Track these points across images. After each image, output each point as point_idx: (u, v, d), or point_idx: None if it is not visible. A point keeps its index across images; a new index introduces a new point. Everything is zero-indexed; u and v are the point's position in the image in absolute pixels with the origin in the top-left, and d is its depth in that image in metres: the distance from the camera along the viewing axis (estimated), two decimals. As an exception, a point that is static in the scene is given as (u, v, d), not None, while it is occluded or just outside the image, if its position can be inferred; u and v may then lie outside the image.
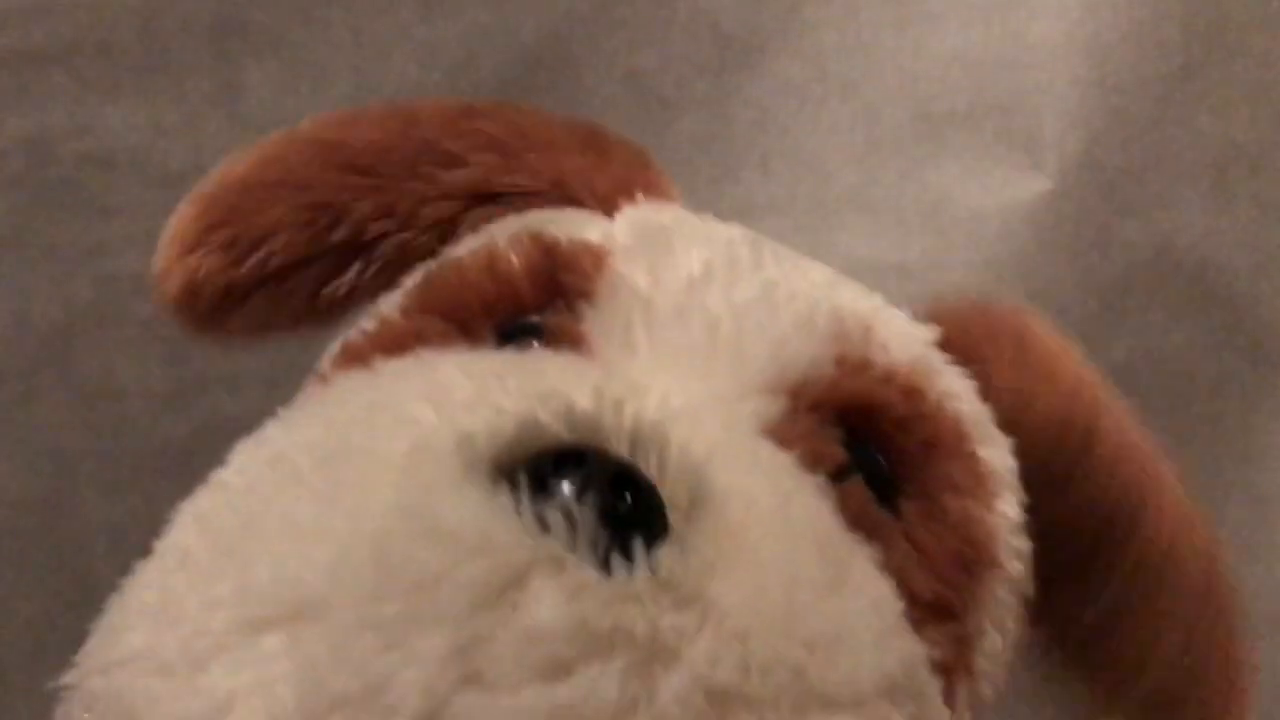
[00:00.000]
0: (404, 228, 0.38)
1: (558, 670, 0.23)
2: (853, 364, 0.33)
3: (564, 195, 0.38)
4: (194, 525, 0.28)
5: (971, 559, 0.33)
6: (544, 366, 0.31)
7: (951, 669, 0.31)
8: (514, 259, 0.34)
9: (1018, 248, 0.61)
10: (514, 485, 0.25)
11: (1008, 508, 0.34)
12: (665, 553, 0.24)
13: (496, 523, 0.24)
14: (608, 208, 0.37)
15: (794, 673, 0.24)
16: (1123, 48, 0.60)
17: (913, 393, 0.33)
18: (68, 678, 0.26)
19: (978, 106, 0.61)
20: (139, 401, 0.60)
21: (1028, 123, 0.61)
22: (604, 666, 0.23)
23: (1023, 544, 0.35)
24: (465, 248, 0.37)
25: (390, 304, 0.36)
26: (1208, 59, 0.60)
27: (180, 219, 0.40)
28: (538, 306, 0.34)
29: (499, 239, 0.35)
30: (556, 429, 0.26)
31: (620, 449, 0.26)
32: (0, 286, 0.60)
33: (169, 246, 0.40)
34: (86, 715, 0.25)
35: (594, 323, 0.33)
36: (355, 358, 0.34)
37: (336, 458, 0.27)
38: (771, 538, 0.26)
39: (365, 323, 0.36)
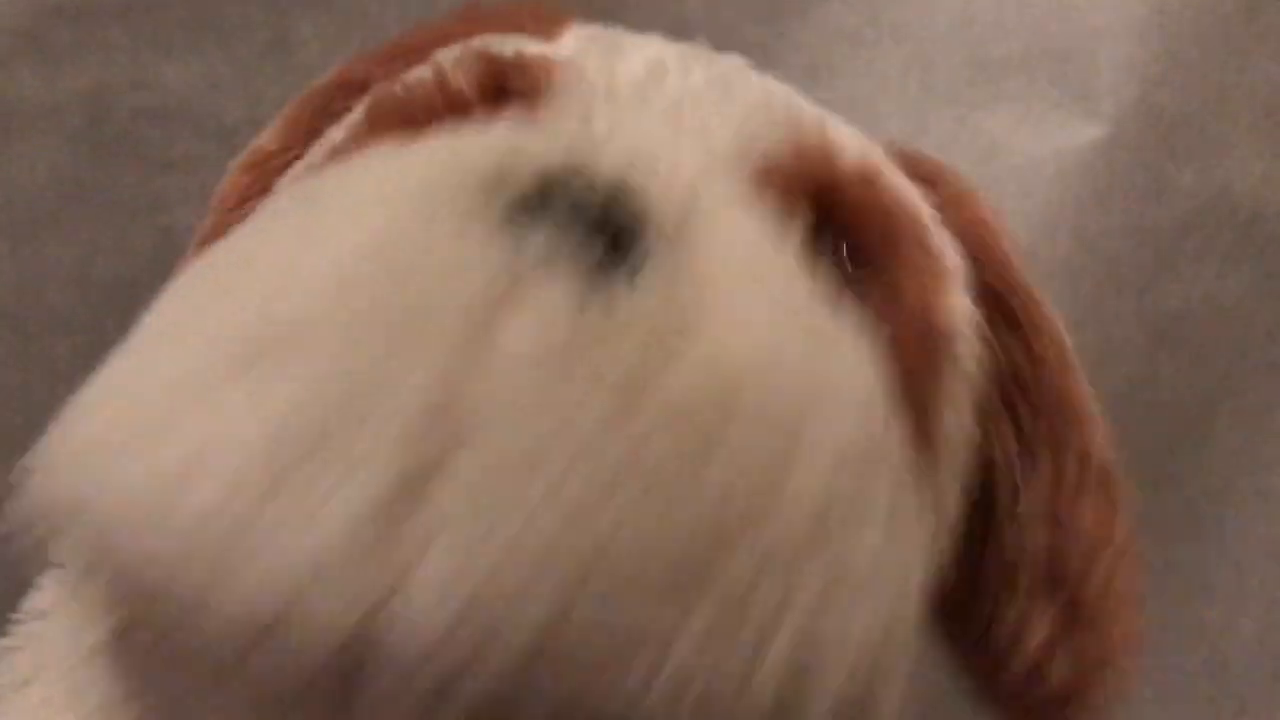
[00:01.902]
0: None
1: (558, 378, 0.23)
2: (812, 152, 0.33)
3: None
4: (168, 297, 0.27)
5: (929, 337, 0.32)
6: (516, 128, 0.30)
7: (915, 458, 0.30)
8: (462, 75, 0.34)
9: (1071, 196, 0.60)
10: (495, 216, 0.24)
11: (960, 299, 0.35)
12: (659, 265, 0.24)
13: (475, 247, 0.24)
14: (549, 37, 0.37)
15: (780, 420, 0.24)
16: (1179, -10, 0.59)
17: (871, 183, 0.34)
18: (16, 476, 0.25)
19: (1032, 52, 0.60)
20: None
21: (1083, 68, 0.60)
22: (605, 369, 0.23)
23: (975, 346, 0.35)
24: (411, 75, 0.36)
25: (337, 134, 0.36)
26: (1266, 1, 0.59)
27: (230, 182, 0.40)
28: (490, 117, 0.33)
29: (443, 61, 0.35)
30: (542, 162, 0.26)
31: (604, 183, 0.26)
32: (63, 240, 0.61)
33: (217, 208, 0.40)
34: (56, 497, 0.24)
35: (551, 113, 0.32)
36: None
37: (310, 203, 0.26)
38: (759, 269, 0.26)
39: (310, 158, 0.36)
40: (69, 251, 0.61)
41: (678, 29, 0.61)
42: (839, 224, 0.32)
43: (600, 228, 0.25)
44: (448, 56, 0.35)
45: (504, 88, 0.33)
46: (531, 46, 0.35)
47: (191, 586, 0.22)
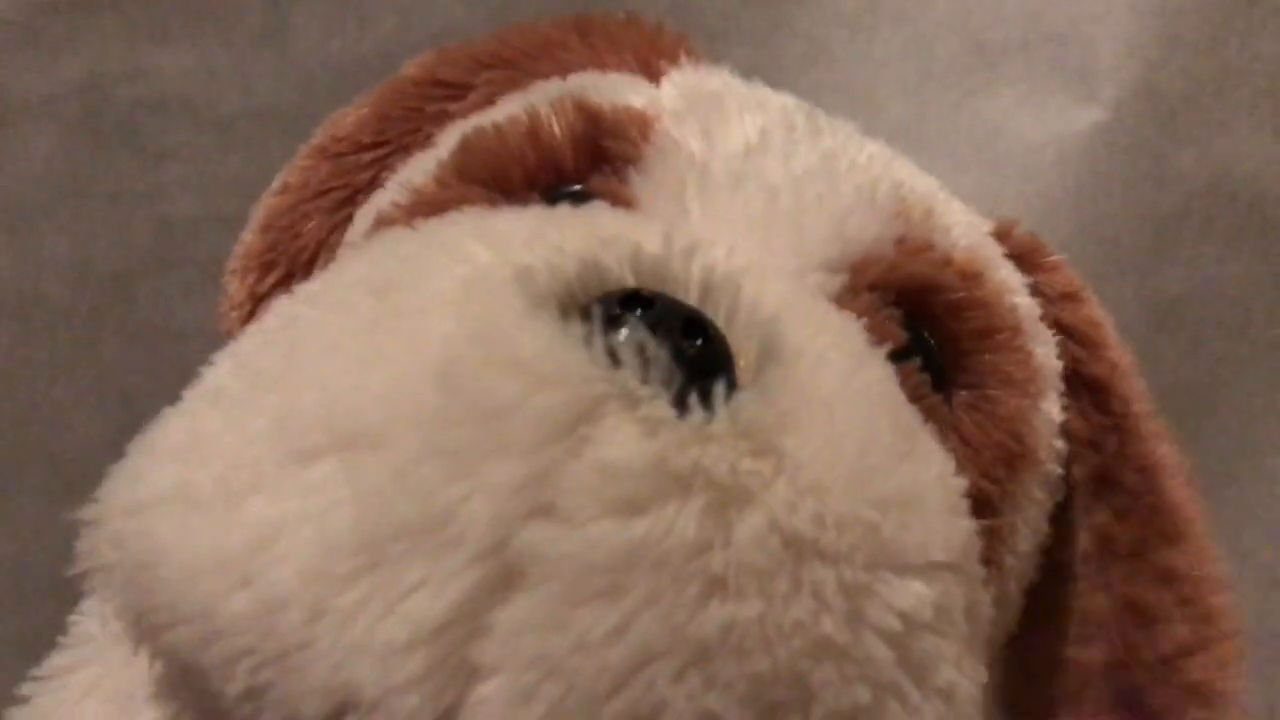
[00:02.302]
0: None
1: (632, 507, 0.22)
2: (913, 244, 0.32)
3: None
4: (228, 364, 0.26)
5: (1015, 454, 0.32)
6: (602, 216, 0.29)
7: (986, 563, 0.30)
8: (556, 125, 0.33)
9: (1071, 179, 0.60)
10: (584, 319, 0.24)
11: (1052, 407, 0.34)
12: (744, 398, 0.24)
13: (570, 353, 0.23)
14: (650, 73, 0.36)
15: (868, 531, 0.24)
16: (1181, -29, 0.59)
17: (971, 278, 0.32)
18: (87, 513, 0.25)
19: (1031, 36, 0.60)
20: (200, 342, 0.61)
21: (1083, 52, 0.60)
22: (681, 505, 0.22)
23: (1061, 445, 0.34)
24: (502, 112, 0.35)
25: (422, 173, 0.34)
26: (1268, -17, 0.59)
27: (245, 248, 0.39)
28: (581, 175, 0.32)
29: (539, 104, 0.34)
30: (621, 272, 0.25)
31: (689, 297, 0.25)
32: (61, 231, 0.60)
33: (236, 279, 0.39)
34: (115, 554, 0.24)
35: (643, 188, 0.31)
36: (391, 225, 0.32)
37: (387, 289, 0.25)
38: (844, 397, 0.26)
39: (395, 194, 0.35)
40: (66, 242, 0.60)
41: (678, 14, 0.61)
42: (935, 323, 0.32)
43: (690, 341, 0.24)
44: (544, 97, 0.34)
45: (599, 145, 0.32)
46: (631, 94, 0.34)
47: (264, 658, 0.22)
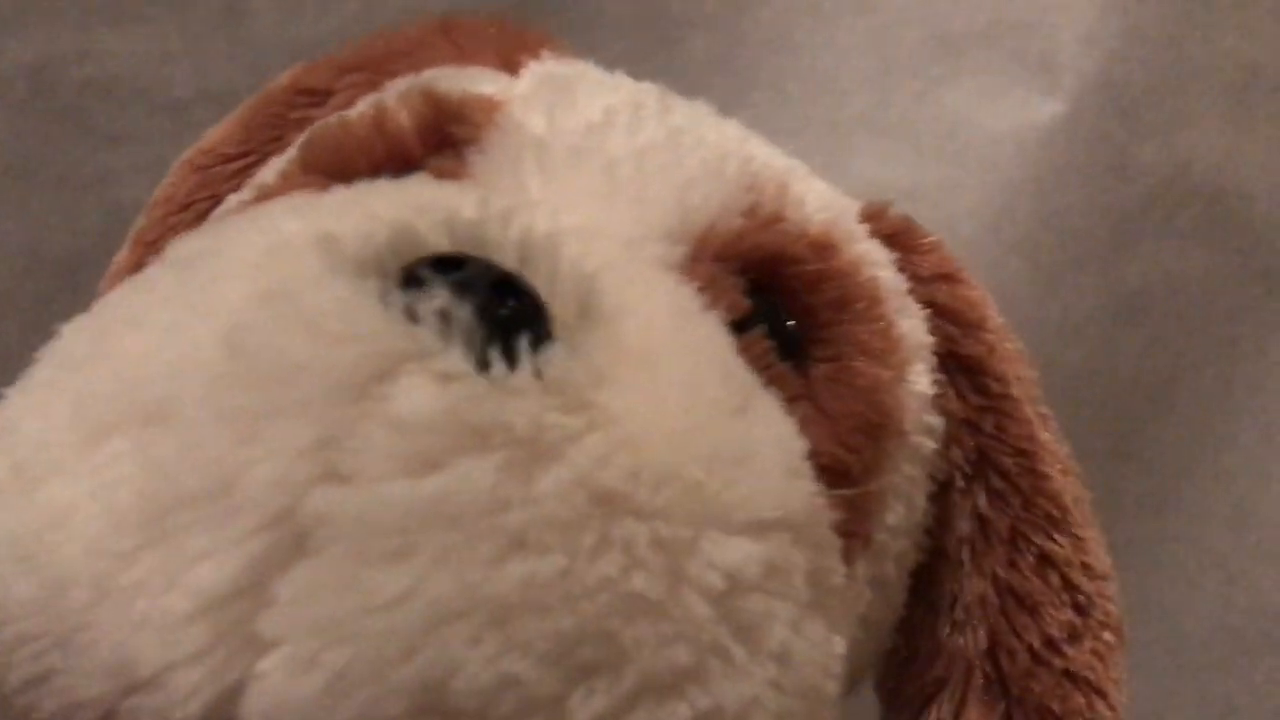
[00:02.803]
0: None
1: (425, 464, 0.21)
2: (763, 216, 0.32)
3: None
4: (41, 359, 0.26)
5: (874, 424, 0.31)
6: (421, 187, 0.29)
7: (849, 536, 0.29)
8: (403, 115, 0.32)
9: (1032, 171, 0.60)
10: (383, 280, 0.23)
11: (919, 379, 0.33)
12: (552, 352, 0.23)
13: (363, 312, 0.22)
14: (510, 68, 0.35)
15: (690, 488, 0.23)
16: (1143, -36, 0.59)
17: (826, 249, 0.32)
18: None
19: (993, 26, 0.60)
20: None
21: (1044, 43, 0.60)
22: (477, 461, 0.22)
23: (934, 420, 0.34)
24: (354, 110, 0.35)
25: (274, 173, 0.34)
26: (1230, -25, 0.59)
27: (116, 266, 0.40)
28: (426, 161, 0.32)
29: (388, 97, 0.34)
30: (435, 238, 0.24)
31: (506, 259, 0.24)
32: (9, 216, 0.59)
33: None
34: None
35: (481, 166, 0.31)
36: None
37: (188, 262, 0.25)
38: (669, 355, 0.25)
39: (244, 194, 0.35)
40: (14, 227, 0.59)
41: (639, 2, 0.61)
42: (789, 295, 0.31)
43: (500, 301, 0.23)
44: (394, 91, 0.34)
45: (445, 131, 0.32)
46: (484, 84, 0.33)
47: (46, 642, 0.22)
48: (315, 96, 0.38)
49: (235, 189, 0.38)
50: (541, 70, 0.35)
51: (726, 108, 0.65)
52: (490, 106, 0.32)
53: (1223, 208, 0.62)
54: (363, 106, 0.35)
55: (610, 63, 0.56)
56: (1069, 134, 0.60)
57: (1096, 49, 0.59)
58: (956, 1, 0.60)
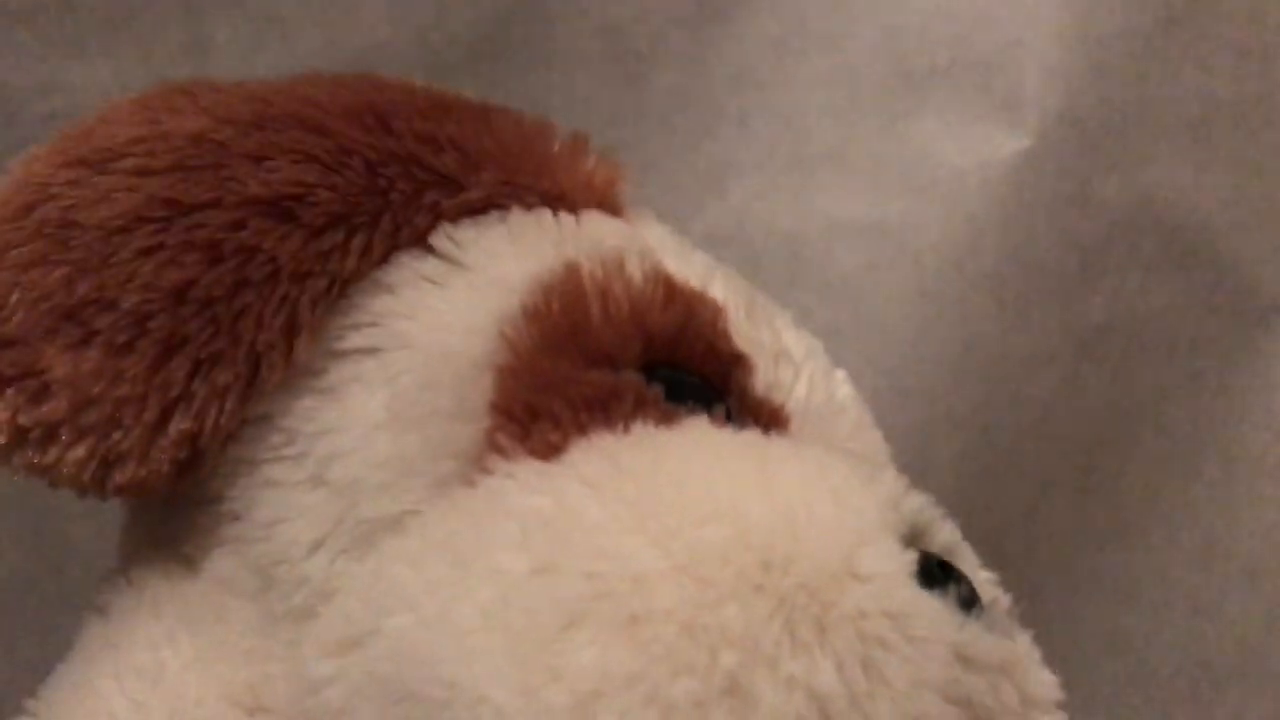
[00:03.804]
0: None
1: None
2: None
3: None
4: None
5: None
6: (845, 465, 0.30)
7: None
8: (661, 310, 0.31)
9: (997, 206, 0.61)
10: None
11: None
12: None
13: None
14: (612, 210, 0.35)
15: None
16: (1104, 1, 0.59)
17: None
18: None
19: (958, 62, 0.60)
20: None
21: (1008, 79, 0.60)
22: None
23: None
24: (552, 255, 0.32)
25: (503, 340, 0.30)
26: (1190, 12, 0.59)
27: None
28: (673, 361, 0.31)
29: (627, 263, 0.32)
30: (931, 533, 0.28)
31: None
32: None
33: None
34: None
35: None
36: (546, 417, 0.30)
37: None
38: None
39: (491, 353, 0.31)
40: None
41: (605, 36, 0.61)
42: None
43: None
44: (582, 243, 0.32)
45: (697, 333, 0.32)
46: (677, 260, 0.34)
47: None
48: (443, 182, 0.33)
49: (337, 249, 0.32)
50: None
51: (692, 143, 0.65)
52: (719, 313, 0.33)
53: (1186, 241, 0.62)
54: (544, 255, 0.32)
55: (576, 98, 0.56)
56: (1033, 169, 0.60)
57: (1060, 85, 0.60)
58: (921, 38, 0.61)
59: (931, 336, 0.61)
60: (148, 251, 0.30)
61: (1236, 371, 0.63)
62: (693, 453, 0.28)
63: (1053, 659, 0.29)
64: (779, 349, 0.34)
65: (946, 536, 0.28)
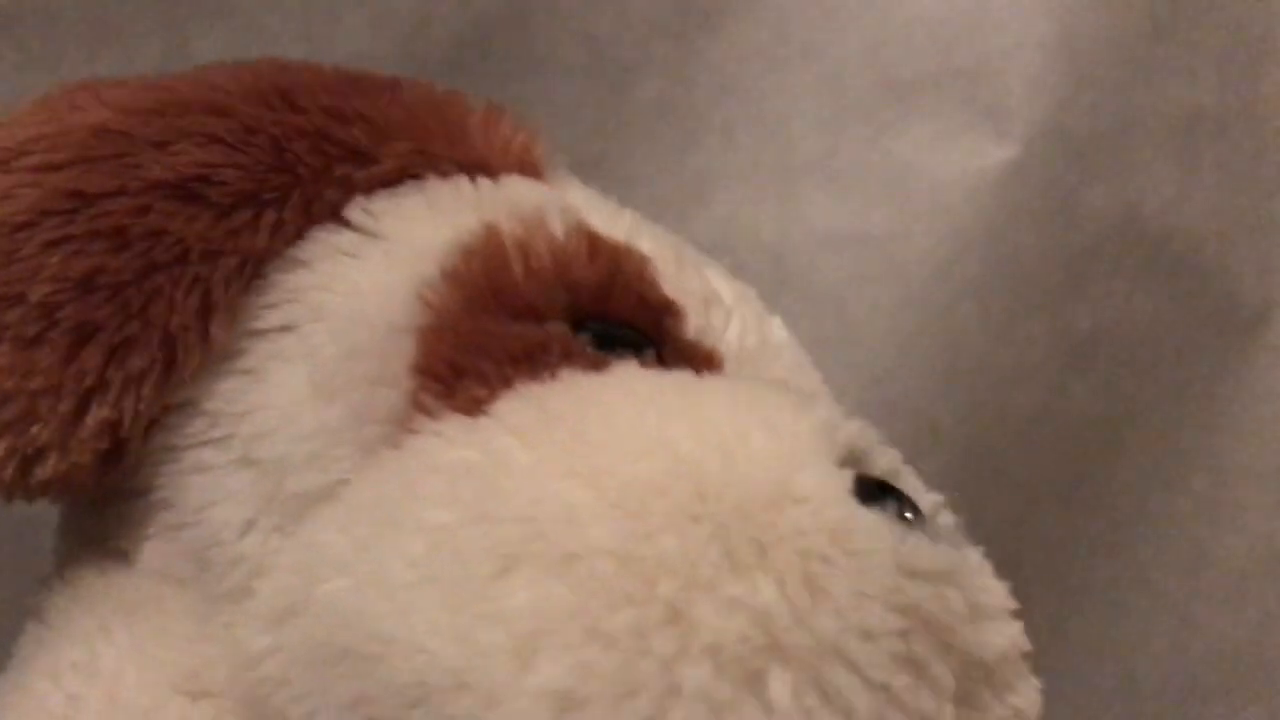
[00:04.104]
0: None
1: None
2: None
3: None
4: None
5: None
6: (776, 396, 0.30)
7: None
8: (585, 263, 0.31)
9: (983, 216, 0.61)
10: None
11: None
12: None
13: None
14: (531, 174, 0.35)
15: None
16: (1089, 11, 0.59)
17: None
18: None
19: (943, 72, 0.60)
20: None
21: (993, 89, 0.60)
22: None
23: None
24: (471, 219, 0.32)
25: (420, 301, 0.30)
26: (1175, 22, 0.60)
27: None
28: (601, 313, 0.31)
29: (548, 220, 0.31)
30: (869, 457, 0.28)
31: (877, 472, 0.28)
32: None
33: None
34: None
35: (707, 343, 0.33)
36: (470, 374, 0.29)
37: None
38: None
39: (410, 317, 0.30)
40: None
41: (589, 45, 0.61)
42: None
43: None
44: (504, 203, 0.32)
45: (626, 287, 0.32)
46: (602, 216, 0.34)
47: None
48: (353, 155, 0.33)
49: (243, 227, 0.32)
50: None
51: (677, 153, 0.65)
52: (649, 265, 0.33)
53: (1171, 250, 0.62)
54: (480, 215, 0.32)
55: (561, 108, 0.55)
56: (1019, 179, 0.60)
57: (1045, 95, 0.60)
58: (907, 48, 0.61)
59: (917, 347, 0.61)
60: (53, 244, 0.30)
61: (1223, 381, 0.63)
62: (621, 394, 0.28)
63: (1040, 669, 0.29)
64: (709, 294, 0.34)
65: (887, 461, 0.28)
